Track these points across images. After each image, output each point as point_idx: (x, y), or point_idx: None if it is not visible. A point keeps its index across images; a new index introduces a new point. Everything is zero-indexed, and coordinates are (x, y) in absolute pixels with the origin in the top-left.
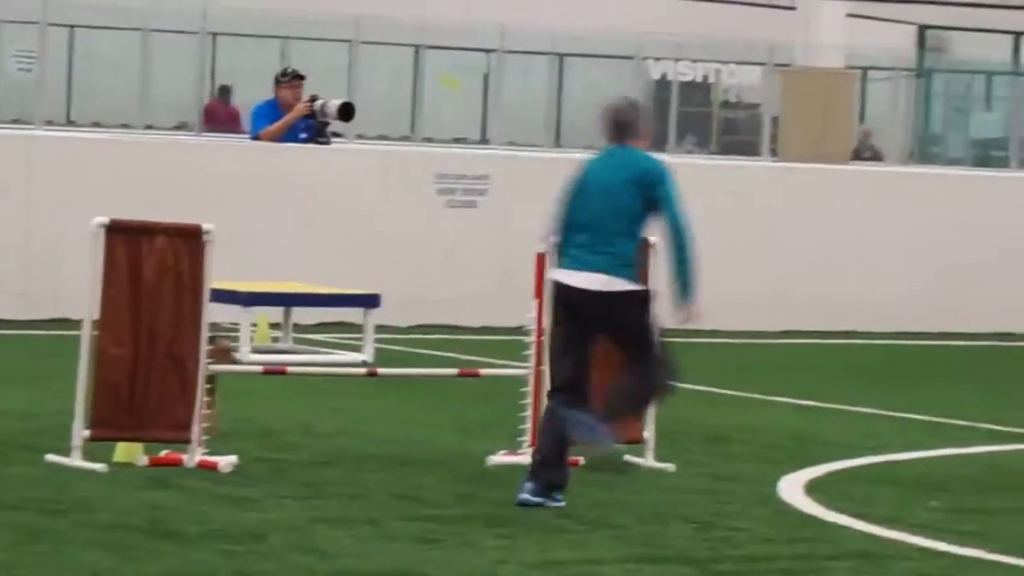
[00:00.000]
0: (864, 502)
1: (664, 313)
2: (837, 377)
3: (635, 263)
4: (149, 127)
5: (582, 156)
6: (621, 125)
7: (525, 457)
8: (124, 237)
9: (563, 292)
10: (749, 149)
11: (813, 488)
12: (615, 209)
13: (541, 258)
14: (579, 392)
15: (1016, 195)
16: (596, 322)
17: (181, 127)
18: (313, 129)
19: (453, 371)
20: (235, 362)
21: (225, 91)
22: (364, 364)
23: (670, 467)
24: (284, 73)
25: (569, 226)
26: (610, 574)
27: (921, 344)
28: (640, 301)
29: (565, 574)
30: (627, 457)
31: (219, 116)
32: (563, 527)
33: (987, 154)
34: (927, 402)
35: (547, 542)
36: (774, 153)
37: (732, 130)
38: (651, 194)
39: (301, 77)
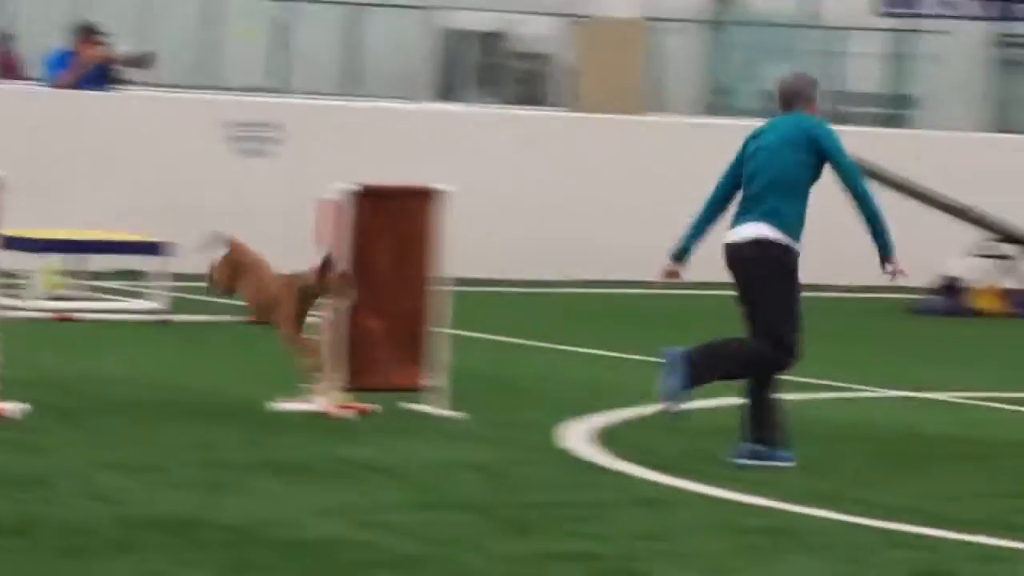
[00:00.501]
0: (653, 450)
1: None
2: (634, 326)
3: (790, 220)
4: None
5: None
6: (789, 95)
7: (310, 405)
8: None
9: (725, 251)
10: (542, 99)
11: (602, 436)
12: (772, 169)
13: (326, 206)
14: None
15: None
16: (743, 273)
17: None
18: (107, 77)
19: (242, 318)
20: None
21: (6, 38)
22: (154, 312)
23: (460, 415)
24: (86, 29)
25: (741, 193)
26: (395, 520)
27: (719, 293)
28: (775, 252)
29: (351, 519)
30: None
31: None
32: (349, 473)
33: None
34: None
35: (333, 488)
36: (567, 103)
37: (525, 80)
38: (814, 150)
39: (102, 33)
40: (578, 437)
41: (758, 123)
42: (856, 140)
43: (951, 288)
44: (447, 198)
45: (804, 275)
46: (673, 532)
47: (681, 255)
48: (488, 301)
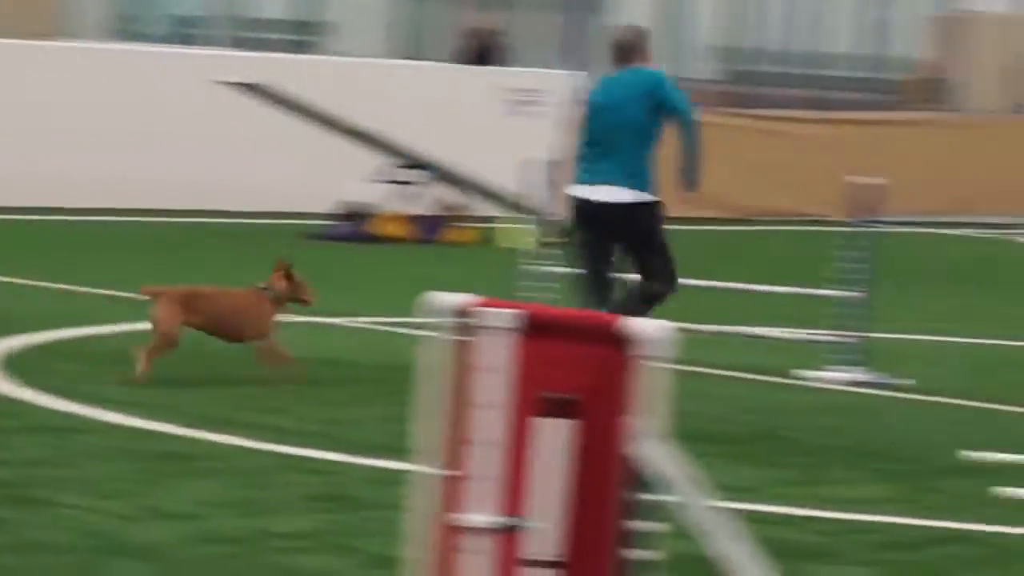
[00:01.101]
0: (57, 377)
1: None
2: (38, 253)
3: (644, 174)
4: None
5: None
6: (626, 48)
7: None
8: None
9: (579, 205)
10: None
11: (5, 364)
12: (624, 124)
13: None
14: (601, 288)
15: (211, 73)
16: (607, 230)
17: None
18: None
19: None
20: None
21: None
22: None
23: None
24: None
25: (585, 143)
26: None
27: (117, 220)
28: (645, 210)
29: None
30: None
31: None
32: None
33: (186, 31)
34: (124, 277)
35: None
36: None
37: None
38: (656, 100)
39: None
40: None
41: (165, 49)
42: (263, 66)
43: (354, 214)
44: None
45: (202, 201)
46: (72, 458)
47: None
48: None
